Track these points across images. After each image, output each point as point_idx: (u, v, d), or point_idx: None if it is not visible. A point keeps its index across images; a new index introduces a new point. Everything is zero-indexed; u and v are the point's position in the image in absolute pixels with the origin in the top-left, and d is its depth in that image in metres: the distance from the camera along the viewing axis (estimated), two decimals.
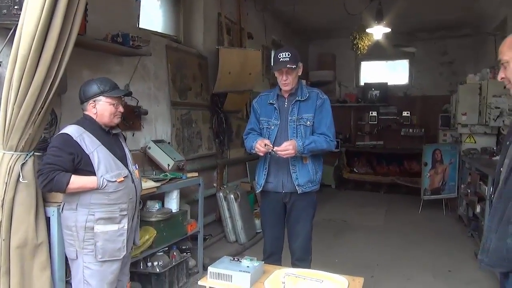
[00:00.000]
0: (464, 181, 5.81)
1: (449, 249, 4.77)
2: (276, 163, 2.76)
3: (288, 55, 2.65)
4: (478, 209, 4.70)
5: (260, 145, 2.64)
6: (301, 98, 2.74)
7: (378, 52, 7.95)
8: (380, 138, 8.90)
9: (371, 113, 8.91)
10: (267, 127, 2.80)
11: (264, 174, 2.79)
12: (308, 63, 9.17)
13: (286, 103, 2.77)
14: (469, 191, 5.32)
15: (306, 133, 2.71)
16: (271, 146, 2.63)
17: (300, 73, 2.76)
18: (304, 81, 2.90)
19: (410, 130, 8.58)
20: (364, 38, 6.59)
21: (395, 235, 5.33)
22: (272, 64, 2.78)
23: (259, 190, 2.87)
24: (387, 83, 8.77)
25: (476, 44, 7.67)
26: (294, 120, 2.72)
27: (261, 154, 2.70)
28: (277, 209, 2.84)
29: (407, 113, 8.65)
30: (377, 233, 5.45)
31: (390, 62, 9.13)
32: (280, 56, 2.67)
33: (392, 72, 9.09)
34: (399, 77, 9.02)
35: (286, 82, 2.69)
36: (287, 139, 2.69)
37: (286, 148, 2.58)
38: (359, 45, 6.65)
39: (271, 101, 2.81)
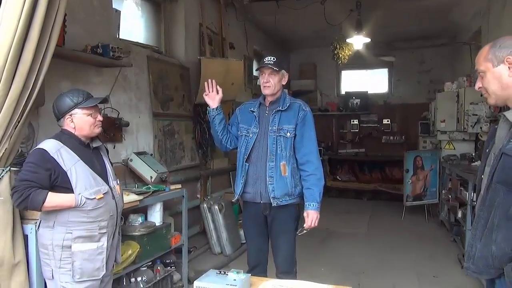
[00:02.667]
0: (445, 187, 5.88)
1: (433, 254, 4.80)
2: (255, 173, 2.69)
3: (273, 59, 2.66)
4: (459, 214, 4.76)
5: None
6: (282, 108, 2.69)
7: (358, 61, 8.05)
8: (361, 145, 8.97)
9: (353, 121, 9.00)
10: (245, 135, 2.75)
11: (242, 183, 2.72)
12: (290, 72, 9.20)
13: (267, 112, 2.73)
14: (450, 196, 5.39)
15: (286, 145, 2.65)
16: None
17: (284, 82, 2.73)
18: (286, 90, 2.88)
19: (391, 138, 8.69)
20: (344, 47, 6.67)
21: (379, 242, 5.35)
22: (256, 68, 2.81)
23: (235, 199, 2.84)
24: (367, 91, 8.88)
25: (452, 53, 7.86)
26: (274, 131, 2.66)
27: (207, 96, 2.78)
28: (259, 220, 2.77)
29: (388, 121, 8.77)
30: (361, 240, 5.46)
31: (370, 71, 9.25)
32: (265, 59, 2.68)
33: (372, 81, 9.20)
34: (379, 85, 9.14)
35: (267, 84, 2.65)
36: (265, 149, 2.65)
37: (312, 222, 2.63)
38: (340, 55, 6.73)
39: (252, 109, 2.77)
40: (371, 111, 8.85)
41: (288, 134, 2.65)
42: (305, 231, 2.68)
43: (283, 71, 2.69)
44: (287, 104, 2.70)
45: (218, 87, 2.80)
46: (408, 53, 8.49)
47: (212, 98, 2.78)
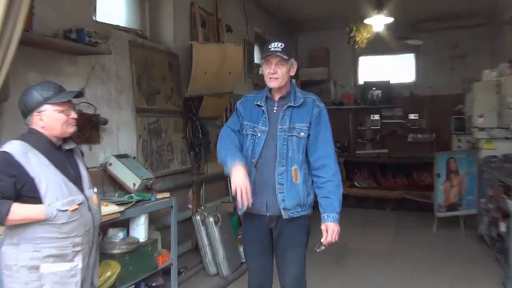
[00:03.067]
0: (485, 194, 5.86)
1: (471, 276, 4.79)
2: (260, 180, 2.68)
3: (281, 45, 2.61)
4: (503, 228, 4.73)
5: (242, 191, 2.43)
6: (294, 104, 2.68)
7: (379, 46, 8.05)
8: (384, 145, 8.98)
9: (373, 116, 9.01)
10: (252, 134, 2.73)
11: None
12: (298, 59, 9.19)
13: (275, 108, 2.72)
14: (491, 206, 5.37)
15: (299, 147, 2.65)
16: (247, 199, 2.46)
17: (293, 73, 2.72)
18: (294, 81, 2.88)
19: (419, 136, 8.68)
20: (362, 30, 6.67)
21: (406, 260, 5.34)
22: (260, 57, 2.78)
23: (242, 213, 2.75)
24: (390, 81, 8.89)
25: (492, 34, 7.84)
26: (285, 130, 2.65)
27: (238, 203, 2.50)
28: (262, 235, 2.77)
29: (415, 116, 8.77)
30: (384, 258, 5.46)
31: (393, 57, 9.23)
32: (271, 45, 2.64)
33: (396, 69, 9.19)
34: (404, 74, 9.14)
35: (274, 75, 2.62)
36: (274, 150, 2.65)
37: (332, 237, 2.62)
38: (357, 38, 6.74)
39: (258, 103, 2.75)
40: (394, 104, 8.85)
41: (302, 134, 2.65)
42: (323, 247, 2.68)
43: (292, 60, 2.67)
44: (301, 100, 2.69)
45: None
46: (438, 35, 8.48)
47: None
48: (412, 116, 8.79)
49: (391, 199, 8.24)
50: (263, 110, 2.71)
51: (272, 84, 2.66)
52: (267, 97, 2.75)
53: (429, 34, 8.44)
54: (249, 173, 2.67)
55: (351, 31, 6.76)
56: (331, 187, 2.66)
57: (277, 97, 2.73)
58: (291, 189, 2.64)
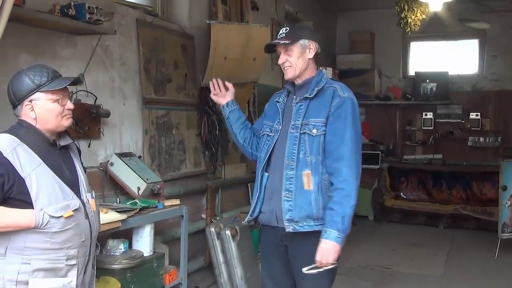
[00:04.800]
0: None
1: None
2: (272, 185, 2.72)
3: (285, 30, 2.71)
4: None
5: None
6: (310, 95, 2.69)
7: (435, 29, 7.97)
8: (438, 150, 8.91)
9: (425, 114, 8.93)
10: (268, 134, 2.80)
11: (255, 200, 2.78)
12: (336, 44, 9.15)
13: (293, 102, 2.77)
14: None
15: (313, 147, 2.63)
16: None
17: (311, 55, 2.71)
18: (326, 70, 2.90)
19: (481, 139, 8.59)
20: (415, 9, 6.59)
21: None
22: None
23: (246, 220, 2.88)
24: (447, 72, 8.79)
25: None
26: (298, 126, 2.65)
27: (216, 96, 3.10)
28: (280, 252, 2.78)
29: (477, 115, 8.65)
30: (435, 285, 5.40)
31: (452, 43, 9.14)
32: (278, 34, 2.75)
33: (456, 57, 9.09)
34: (466, 64, 9.03)
35: (285, 65, 2.72)
36: (283, 151, 2.67)
37: (324, 259, 2.51)
38: (409, 20, 6.66)
39: (277, 99, 2.86)
40: (452, 100, 8.76)
41: (314, 130, 2.63)
42: (315, 271, 2.56)
43: (301, 41, 2.68)
44: (317, 89, 2.69)
45: (226, 83, 3.10)
46: (509, 17, 8.33)
47: (223, 95, 3.08)
48: (473, 115, 8.67)
49: (445, 214, 8.16)
50: (278, 108, 2.81)
51: (287, 75, 2.75)
52: (289, 92, 2.84)
53: (498, 15, 8.30)
54: (259, 178, 2.78)
55: (401, 11, 6.68)
56: (338, 197, 2.55)
57: (298, 88, 2.78)
58: (301, 196, 2.62)
